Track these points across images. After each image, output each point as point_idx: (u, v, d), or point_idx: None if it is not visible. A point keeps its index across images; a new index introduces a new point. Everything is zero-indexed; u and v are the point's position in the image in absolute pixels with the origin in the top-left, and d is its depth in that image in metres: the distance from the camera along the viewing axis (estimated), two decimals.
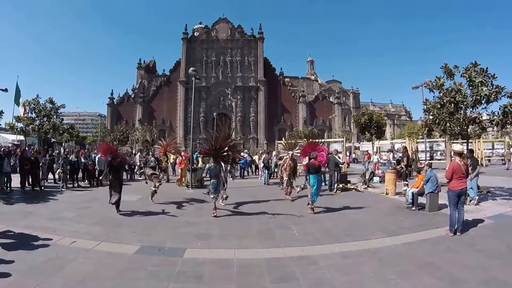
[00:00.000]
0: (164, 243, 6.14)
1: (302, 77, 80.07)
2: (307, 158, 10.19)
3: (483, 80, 9.15)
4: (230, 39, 63.05)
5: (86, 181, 15.04)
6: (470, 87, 9.46)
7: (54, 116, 24.21)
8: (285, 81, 67.11)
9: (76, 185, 14.26)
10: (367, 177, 15.16)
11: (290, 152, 12.01)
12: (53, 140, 28.99)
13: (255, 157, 22.67)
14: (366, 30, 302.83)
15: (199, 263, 5.13)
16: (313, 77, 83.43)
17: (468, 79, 9.44)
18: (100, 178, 9.67)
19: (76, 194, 12.24)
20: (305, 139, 21.27)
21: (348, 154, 25.92)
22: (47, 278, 4.40)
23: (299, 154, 11.87)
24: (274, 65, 65.83)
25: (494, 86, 9.24)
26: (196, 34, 65.43)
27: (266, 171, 16.98)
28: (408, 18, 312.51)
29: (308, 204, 9.23)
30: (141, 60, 73.50)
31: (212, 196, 8.70)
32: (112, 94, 64.29)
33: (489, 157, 28.52)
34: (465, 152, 8.85)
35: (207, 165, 9.54)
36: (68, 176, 13.84)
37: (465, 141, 11.00)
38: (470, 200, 9.82)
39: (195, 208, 9.70)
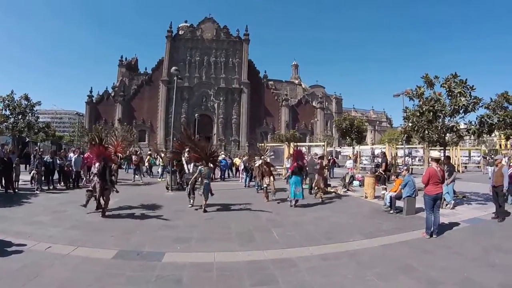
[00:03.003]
0: (142, 247, 6.06)
1: (286, 81, 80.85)
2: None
3: (462, 91, 9.44)
4: (215, 40, 62.46)
5: (62, 183, 14.61)
6: (449, 97, 9.74)
7: (30, 114, 23.39)
8: (269, 84, 67.35)
9: (51, 187, 13.80)
10: (347, 180, 15.48)
11: (262, 157, 12.24)
12: (28, 139, 28.01)
13: (236, 160, 22.65)
14: (352, 38, 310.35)
15: (178, 267, 5.10)
16: (297, 81, 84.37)
17: (447, 90, 9.72)
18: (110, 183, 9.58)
19: (52, 197, 11.87)
20: (287, 143, 21.54)
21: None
22: (21, 286, 4.28)
23: (272, 156, 12.26)
24: (259, 68, 65.90)
25: (472, 97, 9.55)
26: (181, 32, 64.64)
27: (246, 174, 16.97)
28: (392, 28, 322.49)
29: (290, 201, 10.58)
30: (123, 58, 71.97)
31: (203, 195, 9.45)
32: (91, 91, 62.20)
33: (465, 164, 29.83)
34: (442, 158, 9.18)
35: (200, 168, 9.80)
36: (43, 177, 13.40)
37: (443, 148, 11.34)
38: (446, 204, 10.21)
39: (175, 211, 9.60)
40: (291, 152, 12.77)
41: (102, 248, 5.93)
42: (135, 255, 5.60)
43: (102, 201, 8.78)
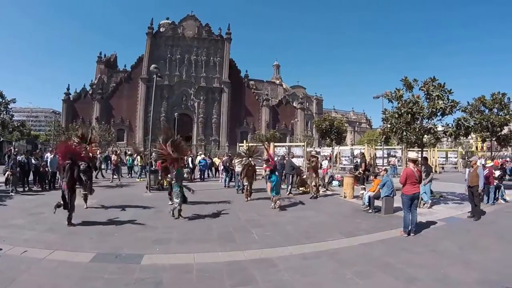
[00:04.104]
0: (121, 249, 6.02)
1: (267, 81, 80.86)
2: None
3: (440, 94, 9.72)
4: (197, 38, 61.44)
5: (38, 184, 14.19)
6: (427, 100, 10.01)
7: (4, 112, 22.59)
8: (250, 84, 67.17)
9: (27, 188, 13.40)
10: (326, 180, 15.81)
11: (250, 158, 12.32)
12: (2, 138, 26.99)
13: (215, 160, 22.62)
14: (334, 39, 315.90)
15: (157, 269, 5.11)
16: (278, 82, 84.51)
17: (426, 93, 10.00)
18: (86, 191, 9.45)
19: (27, 199, 11.53)
20: (267, 143, 21.72)
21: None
22: None
23: (260, 160, 12.40)
24: (240, 67, 65.48)
25: (450, 101, 9.83)
26: (162, 29, 63.28)
27: (226, 174, 16.97)
28: (374, 30, 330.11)
29: (272, 200, 10.39)
30: (102, 54, 69.90)
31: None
32: (68, 89, 59.83)
33: (443, 165, 31.11)
34: (420, 159, 9.51)
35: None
36: (18, 179, 12.98)
37: (421, 149, 11.60)
38: (424, 204, 10.58)
39: (154, 212, 9.56)
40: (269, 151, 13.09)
41: (79, 251, 5.86)
42: (114, 258, 5.56)
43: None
